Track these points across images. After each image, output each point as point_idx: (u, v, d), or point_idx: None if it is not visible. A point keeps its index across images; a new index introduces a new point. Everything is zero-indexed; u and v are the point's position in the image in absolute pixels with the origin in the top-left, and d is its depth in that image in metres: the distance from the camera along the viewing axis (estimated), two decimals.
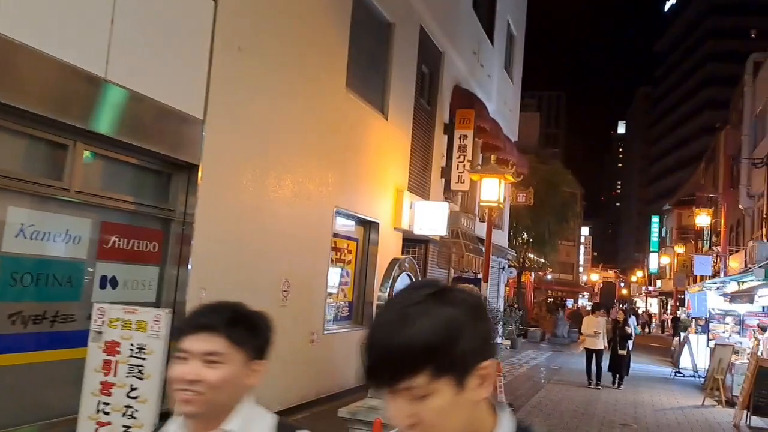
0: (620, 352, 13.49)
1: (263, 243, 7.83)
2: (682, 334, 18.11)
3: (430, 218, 12.25)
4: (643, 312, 48.19)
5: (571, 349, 22.31)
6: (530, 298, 34.29)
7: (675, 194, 49.65)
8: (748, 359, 11.95)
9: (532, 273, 32.59)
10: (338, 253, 10.32)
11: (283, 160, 8.24)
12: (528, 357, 18.61)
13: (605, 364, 13.53)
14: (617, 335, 13.53)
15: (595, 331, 13.28)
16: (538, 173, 25.32)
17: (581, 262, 54.22)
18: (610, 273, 71.33)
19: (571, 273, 50.20)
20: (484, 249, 16.15)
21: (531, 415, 9.69)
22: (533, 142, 43.92)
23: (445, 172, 14.26)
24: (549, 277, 40.38)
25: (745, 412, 10.01)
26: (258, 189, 7.71)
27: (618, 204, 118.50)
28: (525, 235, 26.92)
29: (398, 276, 7.25)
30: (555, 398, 11.43)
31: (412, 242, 13.80)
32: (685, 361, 16.54)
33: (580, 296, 50.01)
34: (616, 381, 13.45)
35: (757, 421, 10.00)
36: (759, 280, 14.89)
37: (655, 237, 51.88)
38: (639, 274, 66.94)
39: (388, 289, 6.96)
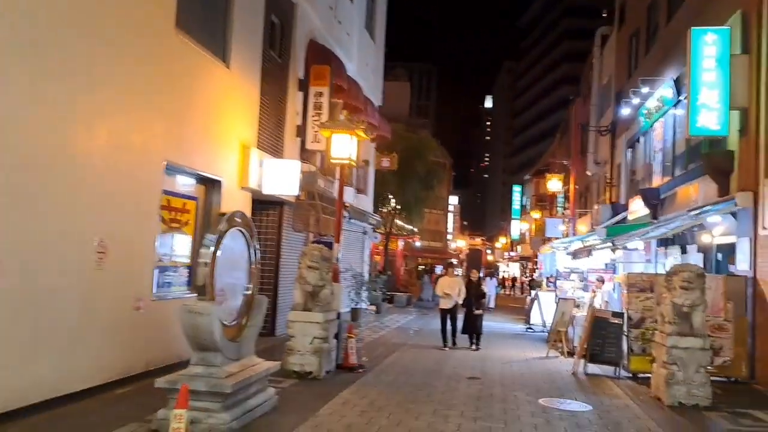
0: (475, 311, 13.19)
1: (67, 199, 6.81)
2: (533, 292, 18.98)
3: (281, 177, 11.58)
4: (506, 276, 50.74)
5: (435, 311, 22.74)
6: (399, 264, 34.75)
7: (535, 165, 52.47)
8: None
9: (401, 240, 32.97)
10: (173, 213, 9.40)
11: (94, 106, 7.18)
12: (391, 321, 18.66)
13: (461, 325, 13.22)
14: (472, 295, 13.23)
15: (445, 292, 12.97)
16: (405, 141, 25.36)
17: (450, 230, 56.02)
18: (478, 240, 74.65)
19: (440, 240, 51.66)
20: (344, 212, 15.80)
21: (383, 373, 9.48)
22: (404, 111, 44.27)
23: (301, 131, 13.60)
24: (418, 244, 41.20)
25: (582, 360, 10.47)
26: (58, 137, 6.64)
27: (486, 175, 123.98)
28: (393, 202, 26.98)
29: (227, 231, 6.56)
30: (409, 358, 11.35)
31: (265, 204, 13.08)
32: (535, 318, 17.32)
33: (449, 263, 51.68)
34: (473, 341, 13.06)
35: (592, 368, 10.49)
36: (601, 239, 15.80)
37: (516, 205, 54.74)
38: (503, 240, 70.66)
39: (212, 247, 6.26)
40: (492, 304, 26.26)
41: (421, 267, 43.85)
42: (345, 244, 17.82)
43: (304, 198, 13.54)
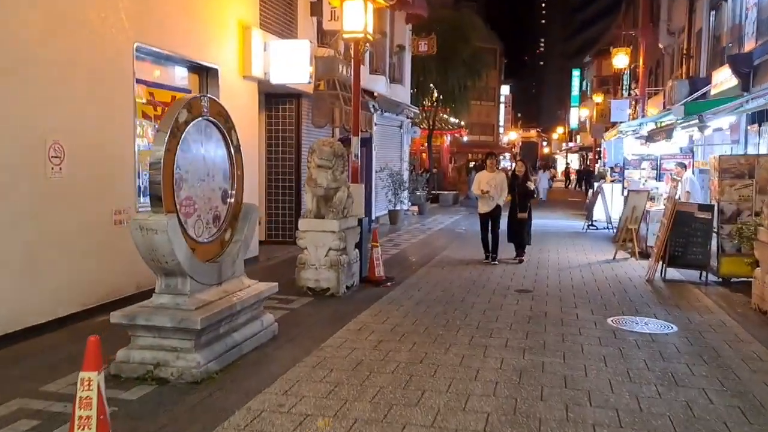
0: (519, 214, 10.20)
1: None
2: (596, 184, 16.94)
3: (289, 62, 9.77)
4: (570, 167, 47.81)
5: None
6: (446, 161, 32.85)
7: (596, 45, 48.05)
8: (664, 205, 10.65)
9: (447, 135, 30.81)
10: (159, 109, 7.85)
11: None
12: (434, 222, 17.15)
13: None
14: (515, 193, 10.22)
15: (482, 189, 9.97)
16: (445, 22, 22.64)
17: (501, 122, 52.91)
18: (532, 132, 70.93)
19: (491, 134, 48.91)
20: (372, 103, 13.98)
21: (414, 287, 8.05)
22: None
23: (316, 8, 11.58)
24: (466, 138, 38.76)
25: (660, 263, 8.71)
26: None
27: (542, 63, 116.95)
28: (435, 93, 24.69)
29: (189, 122, 4.98)
30: (448, 266, 9.87)
31: (280, 97, 11.46)
32: (599, 213, 15.44)
33: (502, 157, 49.22)
34: (516, 253, 10.35)
35: (672, 272, 8.74)
36: (678, 119, 13.48)
37: (575, 91, 50.85)
38: (560, 130, 66.82)
39: (166, 141, 4.70)
40: (543, 196, 24.75)
41: (472, 163, 41.75)
42: (379, 140, 16.15)
43: (323, 88, 11.75)
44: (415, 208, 19.03)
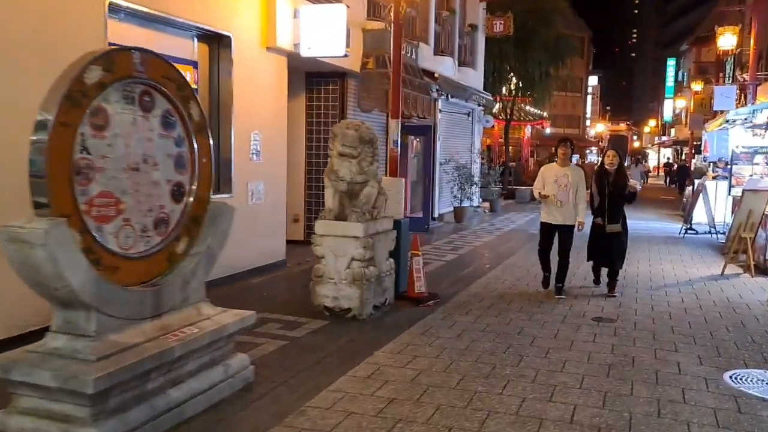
0: (609, 227, 7.02)
1: None
2: (697, 182, 14.39)
3: (322, 31, 8.16)
4: (673, 161, 43.74)
5: None
6: (526, 154, 30.44)
7: (694, 32, 43.84)
8: None
9: (528, 126, 28.40)
10: None
11: None
12: (505, 221, 15.12)
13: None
14: (605, 193, 7.03)
15: (541, 193, 6.91)
16: (525, 1, 20.40)
17: (588, 114, 49.38)
18: (622, 126, 66.35)
19: (577, 127, 45.62)
20: (433, 85, 12.25)
21: (460, 309, 6.28)
22: None
23: None
24: (549, 131, 35.88)
25: None
26: None
27: (633, 54, 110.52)
28: (513, 80, 22.52)
29: (106, 85, 3.46)
30: (510, 279, 8.00)
31: (322, 77, 10.02)
32: (699, 216, 12.98)
33: (588, 151, 45.92)
34: (612, 281, 7.17)
35: None
36: None
37: (670, 81, 46.66)
38: (652, 123, 62.17)
39: (57, 111, 3.18)
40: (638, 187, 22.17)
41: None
42: (444, 128, 14.36)
43: (372, 67, 10.11)
44: (487, 204, 17.11)
